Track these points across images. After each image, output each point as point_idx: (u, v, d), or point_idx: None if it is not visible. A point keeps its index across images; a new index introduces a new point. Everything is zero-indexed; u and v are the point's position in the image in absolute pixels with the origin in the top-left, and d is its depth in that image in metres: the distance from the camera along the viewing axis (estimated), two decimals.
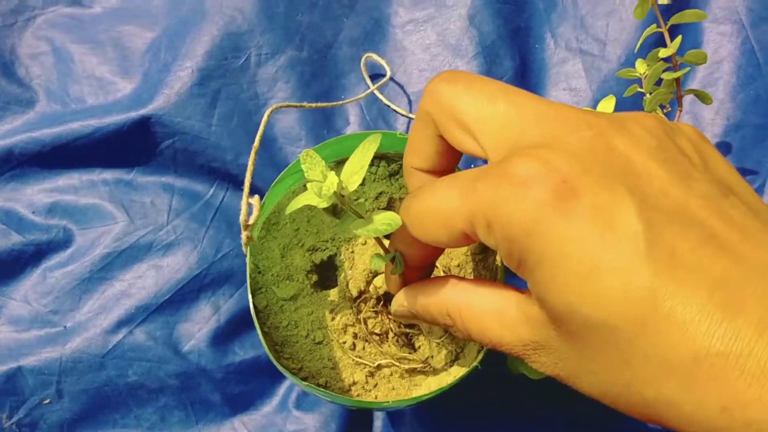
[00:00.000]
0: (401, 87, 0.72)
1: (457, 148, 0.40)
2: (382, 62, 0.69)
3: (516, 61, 0.71)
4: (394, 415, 0.68)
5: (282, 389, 0.69)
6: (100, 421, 0.67)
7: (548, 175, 0.31)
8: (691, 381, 0.28)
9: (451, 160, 0.43)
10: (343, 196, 0.42)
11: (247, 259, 0.50)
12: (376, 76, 0.72)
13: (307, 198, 0.42)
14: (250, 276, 0.52)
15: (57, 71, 0.74)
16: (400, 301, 0.46)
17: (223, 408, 0.68)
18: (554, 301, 0.31)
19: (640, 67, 0.58)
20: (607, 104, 0.57)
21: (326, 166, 0.42)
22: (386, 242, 0.47)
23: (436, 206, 0.37)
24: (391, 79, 0.72)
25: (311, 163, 0.42)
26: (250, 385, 0.68)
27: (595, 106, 0.69)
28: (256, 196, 0.49)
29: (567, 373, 0.34)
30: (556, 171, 0.31)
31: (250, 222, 0.48)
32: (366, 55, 0.70)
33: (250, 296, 0.49)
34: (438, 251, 0.44)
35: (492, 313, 0.38)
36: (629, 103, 0.67)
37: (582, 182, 0.31)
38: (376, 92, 0.69)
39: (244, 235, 0.48)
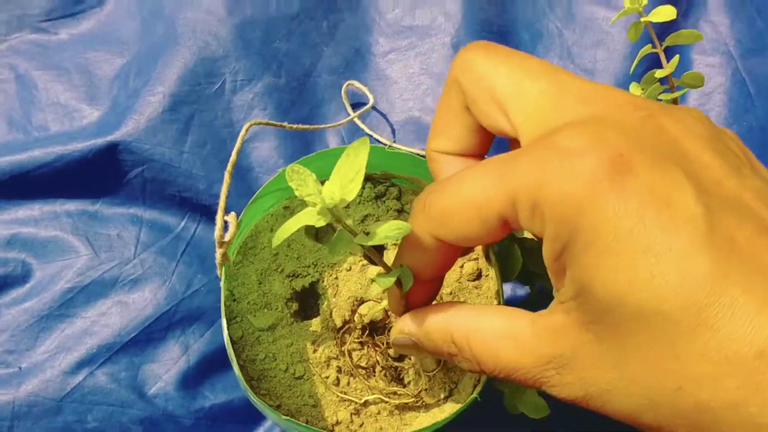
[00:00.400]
0: (384, 116, 0.69)
1: (484, 124, 0.36)
2: (365, 89, 0.66)
3: None
4: None
5: None
6: None
7: (603, 148, 0.29)
8: (756, 378, 0.25)
9: (482, 141, 0.39)
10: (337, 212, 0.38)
11: (222, 283, 0.46)
12: (357, 105, 0.69)
13: (304, 218, 0.38)
14: (224, 303, 0.48)
15: (19, 99, 0.70)
16: (401, 327, 0.41)
17: None
18: (602, 287, 0.28)
19: (635, 90, 0.56)
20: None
21: (317, 180, 0.38)
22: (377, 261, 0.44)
23: (469, 193, 0.33)
24: (374, 108, 0.69)
25: (300, 179, 0.38)
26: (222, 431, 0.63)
27: None
28: (233, 213, 0.45)
29: (597, 389, 0.30)
30: (610, 144, 0.29)
31: (226, 239, 0.44)
32: (347, 82, 0.68)
33: (224, 323, 0.45)
34: (454, 257, 0.39)
35: (505, 336, 0.34)
36: None
37: (637, 158, 0.28)
38: (357, 120, 0.66)
39: (218, 253, 0.45)
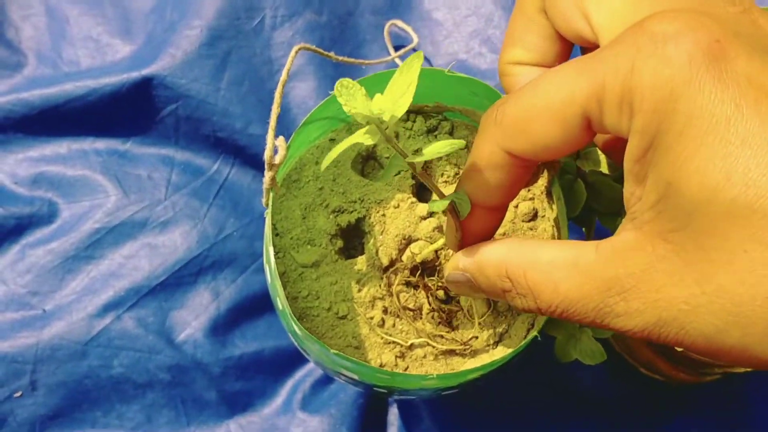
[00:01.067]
0: (427, 59, 0.66)
1: (562, 29, 0.34)
2: (408, 29, 0.63)
3: None
4: (411, 420, 0.60)
5: (286, 388, 0.61)
6: (78, 419, 0.59)
7: (700, 32, 0.26)
8: None
9: (560, 50, 0.36)
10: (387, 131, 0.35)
11: (268, 211, 0.43)
12: (400, 47, 0.66)
13: (354, 138, 0.35)
14: (268, 235, 0.45)
15: (50, 33, 0.67)
16: (455, 263, 0.39)
17: (218, 408, 0.60)
18: (692, 183, 0.26)
19: None
20: None
21: (367, 95, 0.35)
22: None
23: (548, 94, 0.30)
24: (416, 49, 0.66)
25: (349, 93, 0.35)
26: (251, 382, 0.61)
27: None
28: (282, 137, 0.42)
29: (673, 312, 0.27)
30: (707, 29, 0.26)
31: (276, 161, 0.41)
32: (391, 22, 0.65)
33: (271, 252, 0.42)
34: (524, 179, 0.36)
35: (564, 265, 0.31)
36: None
37: (735, 47, 0.26)
38: (399, 61, 0.63)
39: (267, 176, 0.42)
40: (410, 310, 0.48)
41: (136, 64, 0.64)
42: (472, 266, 0.37)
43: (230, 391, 0.60)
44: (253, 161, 0.64)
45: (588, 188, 0.46)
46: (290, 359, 0.62)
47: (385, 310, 0.47)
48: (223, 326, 0.61)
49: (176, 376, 0.60)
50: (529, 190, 0.49)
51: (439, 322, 0.47)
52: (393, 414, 0.60)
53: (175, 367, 0.60)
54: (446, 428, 0.59)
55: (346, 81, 0.35)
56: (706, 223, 0.26)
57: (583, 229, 0.54)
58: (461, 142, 0.34)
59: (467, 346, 0.47)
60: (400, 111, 0.35)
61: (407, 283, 0.48)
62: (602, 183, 0.47)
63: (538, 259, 0.33)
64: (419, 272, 0.47)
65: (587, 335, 0.47)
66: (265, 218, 0.63)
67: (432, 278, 0.47)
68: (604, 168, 0.45)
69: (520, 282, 0.34)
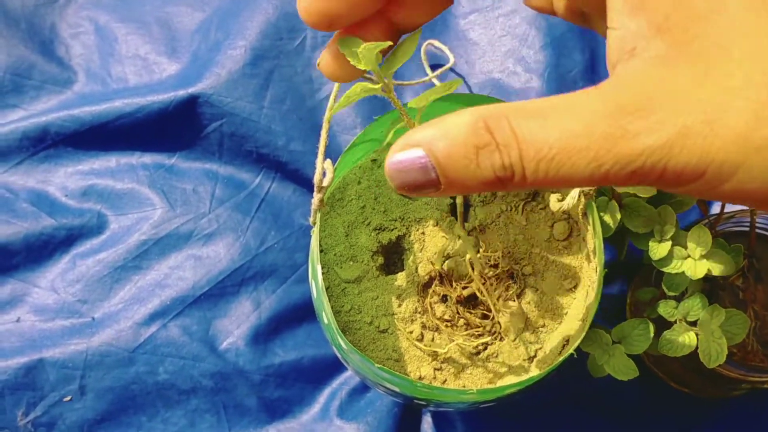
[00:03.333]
0: (463, 78, 0.68)
1: None
2: (445, 48, 0.65)
3: (586, 55, 0.68)
4: (444, 429, 0.62)
5: (324, 396, 0.63)
6: (124, 423, 0.62)
7: None
8: None
9: None
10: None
11: (315, 230, 0.45)
12: (436, 66, 0.68)
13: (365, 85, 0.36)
14: (315, 252, 0.47)
15: (99, 51, 0.70)
16: (404, 140, 0.28)
17: (259, 414, 0.62)
18: None
19: None
20: None
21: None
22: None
23: None
24: (452, 69, 0.68)
25: (347, 45, 0.34)
26: (290, 390, 0.63)
27: None
28: (329, 160, 0.44)
29: (697, 115, 0.24)
30: None
31: (325, 184, 0.43)
32: (427, 42, 0.66)
33: (318, 269, 0.44)
34: None
35: (558, 105, 0.26)
36: None
37: None
38: (436, 81, 0.65)
39: (316, 198, 0.44)
40: (447, 321, 0.49)
41: (183, 82, 0.66)
42: (431, 133, 0.27)
43: (270, 398, 0.63)
44: (294, 176, 0.66)
45: (622, 209, 0.48)
46: (328, 368, 0.64)
47: (423, 325, 0.49)
48: (264, 335, 0.63)
49: (218, 382, 0.62)
50: (565, 212, 0.51)
51: (474, 333, 0.49)
52: (427, 423, 0.62)
53: (217, 374, 0.62)
54: None
55: (344, 37, 0.34)
56: (723, 23, 0.24)
57: (616, 248, 0.56)
58: (458, 81, 0.36)
59: (496, 333, 0.49)
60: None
61: (443, 298, 0.50)
62: (636, 204, 0.48)
63: (523, 106, 0.26)
64: (446, 281, 0.49)
65: (620, 351, 0.48)
66: (305, 231, 0.65)
67: (459, 285, 0.49)
68: (638, 190, 0.47)
69: (502, 127, 0.26)
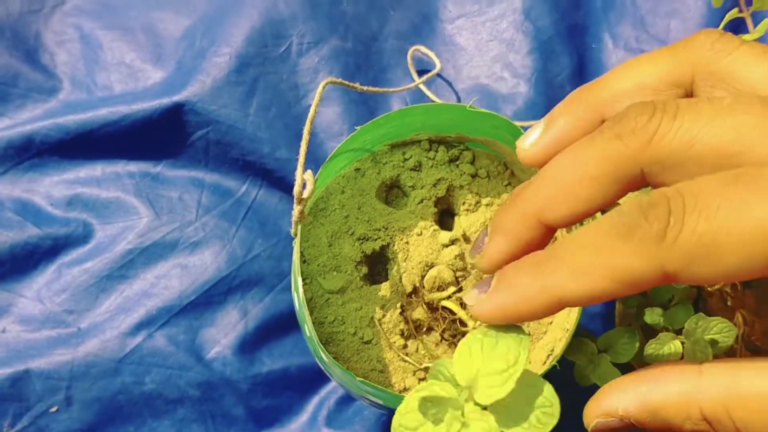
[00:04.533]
0: (449, 83, 0.68)
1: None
2: (431, 54, 0.65)
3: (573, 59, 0.67)
4: None
5: (312, 405, 0.63)
6: None
7: None
8: None
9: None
10: None
11: (296, 241, 0.45)
12: (423, 71, 0.67)
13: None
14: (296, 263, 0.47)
15: (84, 58, 0.70)
16: (605, 406, 0.31)
17: (246, 423, 0.62)
18: None
19: None
20: None
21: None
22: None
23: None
24: (439, 75, 0.68)
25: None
26: (278, 399, 0.63)
27: None
28: (309, 171, 0.44)
29: None
30: None
31: (305, 195, 0.43)
32: (414, 47, 0.66)
33: (299, 281, 0.44)
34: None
35: None
36: None
37: None
38: (423, 87, 0.65)
39: (296, 210, 0.44)
40: (430, 333, 0.49)
41: (168, 90, 0.66)
42: (639, 408, 0.29)
43: (257, 407, 0.62)
44: (280, 184, 0.66)
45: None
46: (316, 376, 0.63)
47: (407, 335, 0.49)
48: (251, 344, 0.63)
49: (206, 392, 0.62)
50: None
51: (456, 343, 0.49)
52: None
53: (204, 383, 0.62)
54: None
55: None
56: None
57: None
58: None
59: None
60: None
61: (430, 308, 0.49)
62: None
63: (741, 386, 0.26)
64: (434, 295, 0.49)
65: (605, 360, 0.48)
66: (292, 239, 0.65)
67: (448, 301, 0.49)
68: (620, 200, 0.46)
69: (722, 420, 0.26)
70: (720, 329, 0.46)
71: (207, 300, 0.63)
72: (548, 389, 0.34)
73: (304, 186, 0.43)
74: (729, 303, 0.56)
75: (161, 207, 0.65)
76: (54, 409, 0.61)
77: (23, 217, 0.65)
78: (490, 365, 0.33)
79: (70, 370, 0.61)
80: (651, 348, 0.47)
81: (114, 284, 0.64)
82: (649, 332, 0.49)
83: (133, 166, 0.67)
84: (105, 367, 0.61)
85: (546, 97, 0.66)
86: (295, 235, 0.45)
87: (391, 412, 0.60)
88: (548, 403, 0.34)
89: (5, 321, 0.63)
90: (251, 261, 0.64)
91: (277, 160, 0.65)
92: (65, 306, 0.63)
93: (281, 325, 0.64)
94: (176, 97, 0.65)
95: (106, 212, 0.66)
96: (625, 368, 0.49)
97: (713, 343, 0.46)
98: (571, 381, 0.52)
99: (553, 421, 0.33)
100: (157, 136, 0.66)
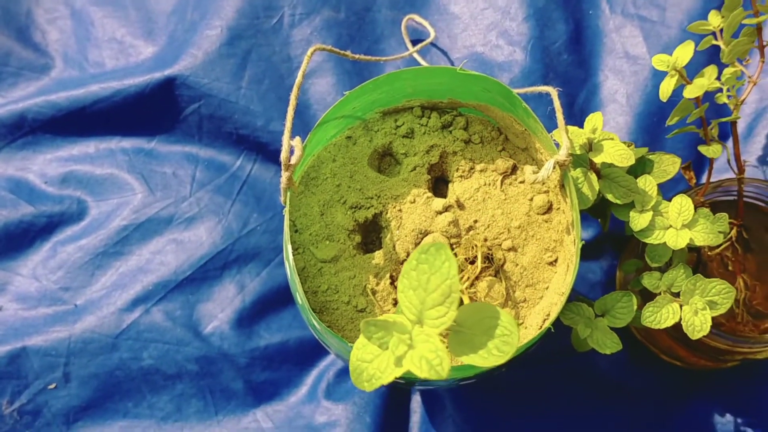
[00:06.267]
0: (444, 52, 0.67)
1: None
2: (425, 23, 0.64)
3: (570, 26, 0.66)
4: (433, 408, 0.61)
5: (311, 378, 0.63)
6: (110, 409, 0.61)
7: None
8: None
9: None
10: None
11: (286, 210, 0.45)
12: (417, 41, 0.67)
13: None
14: (287, 232, 0.46)
15: (75, 35, 0.69)
16: None
17: (245, 397, 0.62)
18: None
19: (714, 20, 0.53)
20: (686, 50, 0.51)
21: None
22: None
23: None
24: (433, 44, 0.67)
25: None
26: (277, 372, 0.62)
27: (655, 76, 0.64)
28: (298, 137, 0.43)
29: None
30: None
31: (293, 161, 0.42)
32: (408, 17, 0.65)
33: (290, 249, 0.43)
34: None
35: None
36: (703, 57, 0.62)
37: None
38: (417, 55, 0.64)
39: (284, 176, 0.43)
40: None
41: (159, 64, 0.65)
42: None
43: (256, 381, 0.62)
44: (275, 157, 0.65)
45: (601, 180, 0.47)
46: (314, 349, 0.63)
47: (396, 303, 0.48)
48: (249, 318, 0.63)
49: (204, 367, 0.61)
50: (543, 184, 0.50)
51: None
52: (416, 402, 0.62)
53: (202, 358, 0.61)
54: (468, 416, 0.60)
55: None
56: None
57: (599, 220, 0.55)
58: None
59: None
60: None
61: None
62: (615, 174, 0.47)
63: None
64: None
65: (602, 324, 0.48)
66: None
67: None
68: (615, 160, 0.46)
69: None
70: (718, 290, 0.46)
71: (203, 275, 0.63)
72: (507, 318, 0.35)
73: (291, 152, 0.42)
74: (730, 268, 0.55)
75: (155, 183, 0.65)
76: (52, 386, 0.61)
77: (17, 195, 0.65)
78: (431, 299, 0.35)
79: (68, 346, 0.61)
80: (648, 311, 0.47)
81: (109, 261, 0.64)
82: (648, 297, 0.48)
83: (127, 143, 0.66)
84: (102, 343, 0.61)
85: (543, 64, 0.65)
86: (285, 203, 0.45)
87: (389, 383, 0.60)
88: (507, 332, 0.35)
89: (2, 299, 0.63)
90: (247, 235, 0.64)
91: (271, 133, 0.65)
92: (61, 283, 0.63)
93: (279, 298, 0.63)
94: (168, 71, 0.64)
95: (100, 189, 0.65)
96: (623, 333, 0.49)
97: (711, 304, 0.46)
98: (572, 349, 0.51)
99: (512, 350, 0.35)
100: (149, 112, 0.65)
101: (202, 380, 0.62)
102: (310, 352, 0.63)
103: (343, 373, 0.62)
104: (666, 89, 0.49)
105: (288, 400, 0.62)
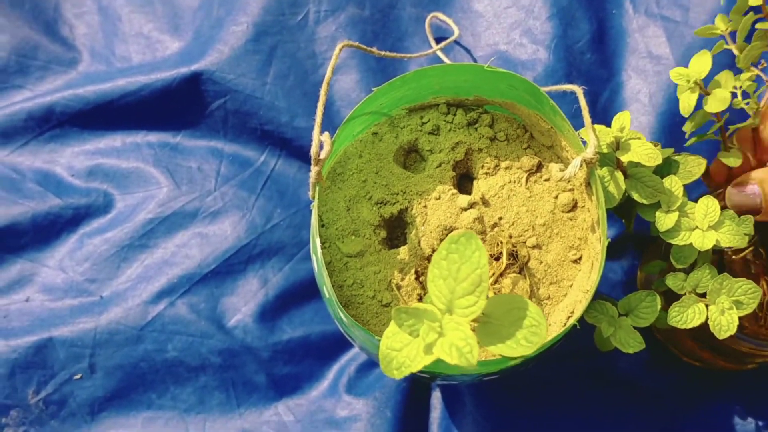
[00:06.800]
0: (467, 50, 0.67)
1: None
2: (449, 21, 0.64)
3: (593, 25, 0.66)
4: (453, 404, 0.62)
5: (332, 372, 0.63)
6: (134, 400, 0.62)
7: None
8: None
9: None
10: None
11: (314, 204, 0.45)
12: (440, 39, 0.67)
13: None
14: (315, 226, 0.47)
15: (102, 30, 0.70)
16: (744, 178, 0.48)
17: (267, 391, 0.62)
18: None
19: (721, 23, 0.53)
20: (702, 60, 0.51)
21: None
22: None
23: None
24: (457, 42, 0.67)
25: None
26: (299, 366, 0.63)
27: None
28: (327, 132, 0.44)
29: None
30: None
31: (322, 156, 0.43)
32: (432, 14, 0.66)
33: (318, 243, 0.44)
34: None
35: None
36: (717, 62, 0.62)
37: None
38: (440, 53, 0.64)
39: (313, 171, 0.44)
40: None
41: (186, 59, 0.66)
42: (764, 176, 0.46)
43: (278, 375, 0.63)
44: (299, 153, 0.66)
45: (627, 179, 0.47)
46: (336, 344, 0.63)
47: (423, 299, 0.49)
48: (272, 312, 0.63)
49: (227, 359, 0.62)
50: (569, 182, 0.50)
51: None
52: (436, 398, 0.62)
53: (226, 351, 0.62)
54: (488, 413, 0.61)
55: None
56: None
57: (623, 220, 0.55)
58: None
59: None
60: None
61: None
62: (642, 174, 0.47)
63: None
64: None
65: (626, 323, 0.48)
66: (310, 208, 0.65)
67: None
68: (643, 159, 0.46)
69: None
70: (745, 290, 0.46)
71: (227, 269, 0.64)
72: (535, 310, 0.36)
73: (321, 147, 0.43)
74: (753, 271, 0.55)
75: (181, 177, 0.66)
76: (78, 376, 0.62)
77: (45, 187, 0.66)
78: (460, 288, 0.35)
79: (93, 337, 0.62)
80: (675, 311, 0.47)
81: (135, 253, 0.64)
82: (671, 298, 0.49)
83: (153, 137, 0.67)
84: (127, 335, 0.62)
85: (566, 63, 0.65)
86: (313, 197, 0.45)
87: (411, 377, 0.60)
88: (535, 323, 0.36)
89: (29, 290, 0.64)
90: (271, 230, 0.65)
91: (296, 129, 0.65)
92: (87, 275, 0.64)
93: (302, 293, 0.64)
94: (194, 67, 0.65)
95: (126, 182, 0.66)
96: (650, 334, 0.49)
97: (738, 304, 0.46)
98: (593, 348, 0.51)
99: (540, 341, 0.35)
100: (175, 106, 0.66)
101: (225, 373, 0.62)
102: (332, 346, 0.64)
103: (364, 368, 0.63)
104: (688, 103, 0.49)
105: (309, 394, 0.63)
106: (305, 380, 0.63)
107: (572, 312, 0.47)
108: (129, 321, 0.62)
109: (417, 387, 0.62)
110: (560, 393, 0.61)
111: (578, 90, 0.46)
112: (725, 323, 0.46)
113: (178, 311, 0.62)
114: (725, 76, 0.50)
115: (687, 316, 0.47)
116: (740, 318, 0.46)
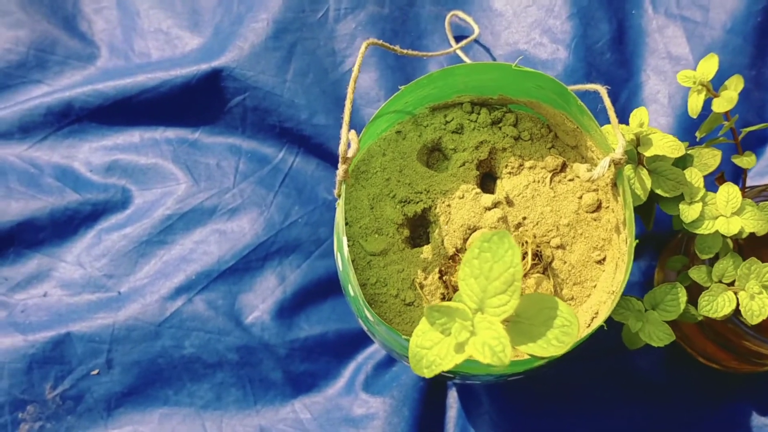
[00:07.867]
0: (487, 49, 0.67)
1: None
2: (469, 20, 0.64)
3: (613, 25, 0.66)
4: (470, 404, 0.62)
5: (349, 370, 0.63)
6: (151, 396, 0.62)
7: None
8: None
9: None
10: None
11: (340, 202, 0.45)
12: (460, 38, 0.67)
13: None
14: (340, 224, 0.46)
15: (121, 25, 0.70)
16: None
17: (284, 388, 0.62)
18: None
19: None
20: (709, 64, 0.52)
21: None
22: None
23: None
24: (477, 41, 0.67)
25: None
26: (316, 364, 0.63)
27: None
28: (353, 131, 0.44)
29: None
30: None
31: (350, 155, 0.43)
32: (452, 13, 0.65)
33: (345, 241, 0.44)
34: None
35: None
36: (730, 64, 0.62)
37: None
38: (460, 52, 0.64)
39: (341, 169, 0.43)
40: None
41: (205, 56, 0.66)
42: None
43: (295, 372, 0.63)
44: (317, 150, 0.66)
45: (650, 175, 0.47)
46: (353, 342, 0.63)
47: (446, 299, 0.49)
48: (289, 309, 0.63)
49: (244, 356, 0.62)
50: (593, 182, 0.50)
51: None
52: (452, 397, 0.62)
53: (243, 348, 0.62)
54: (505, 412, 0.61)
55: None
56: None
57: (642, 219, 0.55)
58: None
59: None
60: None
61: None
62: (663, 168, 0.47)
63: None
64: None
65: (654, 317, 0.48)
66: (329, 206, 0.65)
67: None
68: (667, 151, 0.46)
69: None
70: None
71: (245, 266, 0.64)
72: (566, 309, 0.36)
73: (348, 145, 0.43)
74: None
75: (199, 173, 0.66)
76: (95, 372, 0.62)
77: (63, 183, 0.66)
78: (492, 287, 0.35)
79: (111, 333, 0.62)
80: (705, 300, 0.47)
81: (153, 249, 0.64)
82: (694, 293, 0.49)
83: (171, 133, 0.67)
84: (145, 331, 0.62)
85: (586, 63, 0.65)
86: (339, 195, 0.45)
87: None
88: (567, 322, 0.36)
89: (47, 285, 0.64)
90: (288, 227, 0.65)
91: (315, 127, 0.65)
92: (105, 271, 0.64)
93: (319, 290, 0.64)
94: (214, 63, 0.65)
95: (144, 178, 0.66)
96: (672, 327, 0.49)
97: (767, 288, 0.46)
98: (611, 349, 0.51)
99: (572, 340, 0.35)
100: (194, 103, 0.66)
101: (242, 370, 0.62)
102: (349, 344, 0.64)
103: (381, 366, 0.63)
104: (695, 105, 0.49)
105: (326, 392, 0.63)
106: (322, 378, 0.63)
107: (596, 313, 0.47)
108: (147, 317, 0.62)
109: (434, 386, 0.62)
110: (577, 393, 0.61)
111: (602, 90, 0.46)
112: (756, 308, 0.46)
113: (196, 308, 0.62)
114: (734, 80, 0.50)
115: (717, 304, 0.47)
116: (760, 321, 0.46)
